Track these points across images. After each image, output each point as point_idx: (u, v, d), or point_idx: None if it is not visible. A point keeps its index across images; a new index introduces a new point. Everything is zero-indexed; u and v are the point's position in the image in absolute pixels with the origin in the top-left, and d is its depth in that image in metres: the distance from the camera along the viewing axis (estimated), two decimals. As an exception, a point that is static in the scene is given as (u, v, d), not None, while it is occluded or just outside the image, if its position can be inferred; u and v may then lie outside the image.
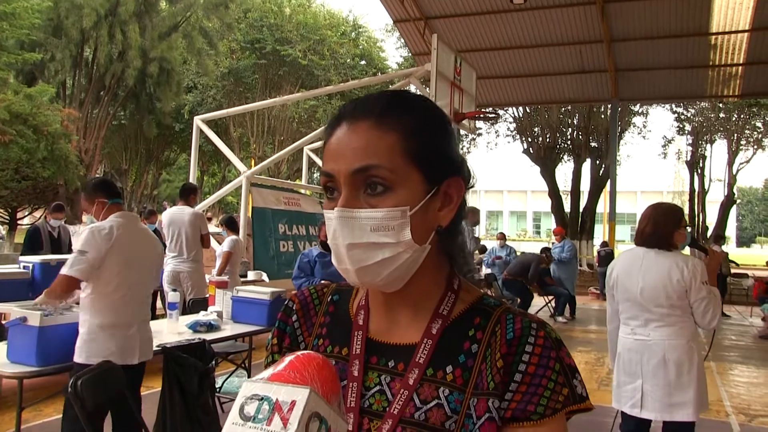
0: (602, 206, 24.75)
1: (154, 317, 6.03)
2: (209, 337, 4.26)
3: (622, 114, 20.51)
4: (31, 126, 14.84)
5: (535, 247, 20.61)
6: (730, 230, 28.97)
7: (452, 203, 0.85)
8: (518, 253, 12.57)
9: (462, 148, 23.58)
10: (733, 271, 14.13)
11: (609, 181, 16.92)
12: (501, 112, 21.10)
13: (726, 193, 25.14)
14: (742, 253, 36.11)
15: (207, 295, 5.72)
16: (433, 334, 0.85)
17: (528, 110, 22.32)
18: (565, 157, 23.49)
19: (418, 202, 0.80)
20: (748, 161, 25.88)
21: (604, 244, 15.67)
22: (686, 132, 25.26)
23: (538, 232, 63.31)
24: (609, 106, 17.15)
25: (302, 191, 10.92)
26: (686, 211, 24.77)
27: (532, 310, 10.21)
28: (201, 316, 4.68)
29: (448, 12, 13.82)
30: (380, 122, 0.80)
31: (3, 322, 5.11)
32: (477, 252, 12.13)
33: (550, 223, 39.58)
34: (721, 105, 23.03)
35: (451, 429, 0.79)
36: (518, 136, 23.50)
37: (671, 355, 3.05)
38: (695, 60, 14.08)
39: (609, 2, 12.68)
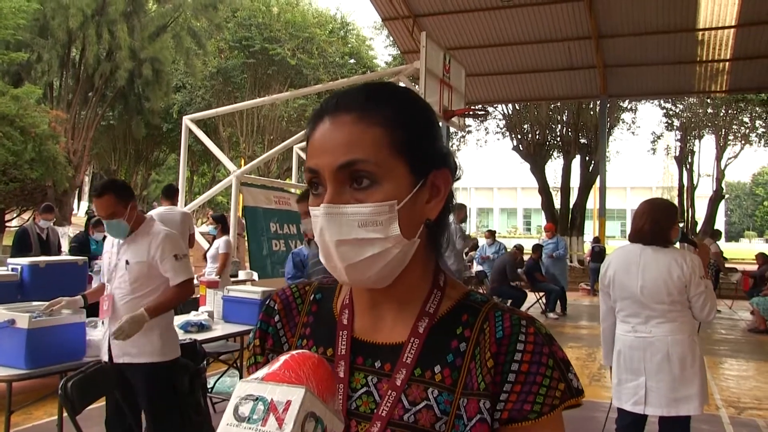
0: (592, 202, 24.85)
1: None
2: (200, 337, 4.24)
3: (611, 110, 20.61)
4: (18, 127, 14.70)
5: (526, 244, 20.69)
6: (719, 225, 29.12)
7: (440, 195, 0.83)
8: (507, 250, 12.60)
9: (452, 146, 23.61)
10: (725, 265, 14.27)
11: (599, 177, 17.01)
12: (490, 109, 21.12)
13: (714, 188, 25.32)
14: (731, 248, 36.34)
15: (198, 295, 5.69)
16: (420, 332, 0.83)
17: (517, 107, 22.37)
18: (555, 154, 23.57)
19: (405, 196, 0.78)
20: (735, 156, 26.09)
21: (596, 240, 15.74)
22: (675, 128, 25.43)
23: (529, 229, 63.45)
24: (598, 102, 17.23)
25: (292, 190, 10.89)
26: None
27: (523, 307, 10.24)
28: (192, 317, 4.66)
29: (437, 9, 13.84)
30: (363, 116, 0.78)
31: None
32: (468, 249, 12.16)
33: (540, 220, 39.71)
34: (708, 100, 23.19)
35: (441, 430, 0.77)
36: (508, 133, 23.56)
37: (674, 351, 3.05)
38: (683, 56, 14.18)
39: (597, -1, 12.74)
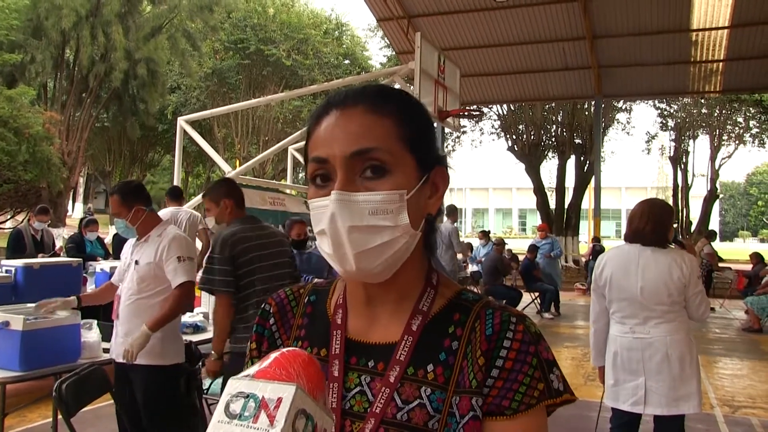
0: (587, 202, 24.87)
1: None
2: (195, 338, 4.24)
3: (606, 110, 20.67)
4: (11, 128, 14.67)
5: (522, 244, 20.69)
6: (713, 225, 29.29)
7: (439, 192, 0.86)
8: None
9: (447, 146, 23.63)
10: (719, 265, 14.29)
11: (593, 177, 17.03)
12: (485, 109, 21.15)
13: (709, 188, 25.40)
14: (725, 247, 36.44)
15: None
16: (413, 330, 0.84)
17: (512, 108, 22.40)
18: (550, 154, 23.62)
19: (413, 187, 0.80)
20: (729, 156, 26.22)
21: (596, 239, 15.76)
22: (669, 128, 25.51)
23: (524, 229, 63.53)
24: (592, 102, 17.26)
25: (287, 191, 10.88)
26: (670, 206, 25.00)
27: (519, 307, 10.25)
28: (187, 318, 4.65)
29: (432, 10, 13.85)
30: (375, 107, 0.80)
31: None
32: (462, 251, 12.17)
33: (535, 220, 39.75)
34: (703, 101, 23.27)
35: (434, 428, 0.78)
36: (503, 134, 23.59)
37: (673, 351, 3.06)
38: (677, 56, 14.22)
39: (591, -1, 12.77)
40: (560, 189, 22.68)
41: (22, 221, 15.45)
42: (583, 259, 16.88)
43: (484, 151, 58.19)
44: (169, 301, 3.22)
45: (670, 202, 25.73)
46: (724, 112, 24.09)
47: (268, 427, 0.59)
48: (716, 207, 37.31)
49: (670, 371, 3.06)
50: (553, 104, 21.42)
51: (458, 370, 0.81)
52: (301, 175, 21.26)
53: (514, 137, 23.07)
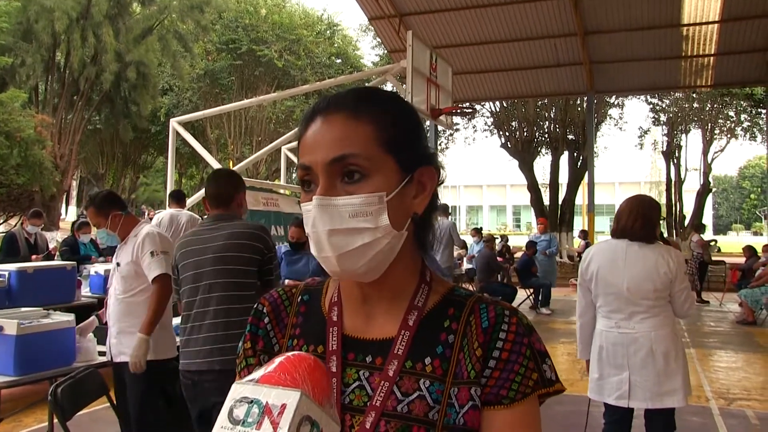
0: (581, 198, 24.94)
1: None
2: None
3: (598, 106, 20.70)
4: (3, 132, 14.60)
5: (516, 241, 20.71)
6: (707, 218, 29.42)
7: (426, 191, 0.88)
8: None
9: (440, 144, 23.64)
10: (713, 258, 14.36)
11: (587, 172, 17.05)
12: (478, 107, 21.14)
13: (702, 182, 25.45)
14: (719, 241, 36.59)
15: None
16: (410, 325, 0.86)
17: (505, 104, 22.41)
18: (543, 150, 23.62)
19: (393, 189, 0.82)
20: (722, 150, 26.23)
21: (582, 232, 15.83)
22: (661, 122, 25.54)
23: (518, 226, 63.66)
24: (585, 98, 17.29)
25: (281, 191, 10.86)
26: (664, 200, 25.09)
27: (514, 303, 10.25)
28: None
29: (423, 8, 13.83)
30: (355, 113, 0.82)
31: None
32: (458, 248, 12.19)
33: (529, 217, 39.84)
34: (694, 95, 23.32)
35: (434, 419, 0.81)
36: (496, 131, 23.58)
37: (658, 346, 3.07)
38: (668, 51, 14.25)
39: (582, -5, 12.78)
40: (554, 185, 22.70)
41: (15, 225, 15.38)
42: (578, 255, 16.91)
43: (477, 148, 58.34)
44: (151, 299, 3.29)
45: (664, 196, 25.82)
46: (715, 106, 24.14)
47: (271, 433, 0.58)
48: (709, 201, 37.51)
49: (654, 366, 3.07)
50: (546, 100, 21.43)
51: (455, 362, 0.84)
52: (294, 174, 21.25)
53: (507, 134, 23.07)
